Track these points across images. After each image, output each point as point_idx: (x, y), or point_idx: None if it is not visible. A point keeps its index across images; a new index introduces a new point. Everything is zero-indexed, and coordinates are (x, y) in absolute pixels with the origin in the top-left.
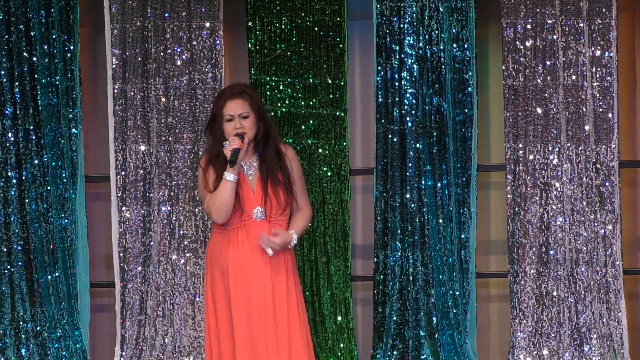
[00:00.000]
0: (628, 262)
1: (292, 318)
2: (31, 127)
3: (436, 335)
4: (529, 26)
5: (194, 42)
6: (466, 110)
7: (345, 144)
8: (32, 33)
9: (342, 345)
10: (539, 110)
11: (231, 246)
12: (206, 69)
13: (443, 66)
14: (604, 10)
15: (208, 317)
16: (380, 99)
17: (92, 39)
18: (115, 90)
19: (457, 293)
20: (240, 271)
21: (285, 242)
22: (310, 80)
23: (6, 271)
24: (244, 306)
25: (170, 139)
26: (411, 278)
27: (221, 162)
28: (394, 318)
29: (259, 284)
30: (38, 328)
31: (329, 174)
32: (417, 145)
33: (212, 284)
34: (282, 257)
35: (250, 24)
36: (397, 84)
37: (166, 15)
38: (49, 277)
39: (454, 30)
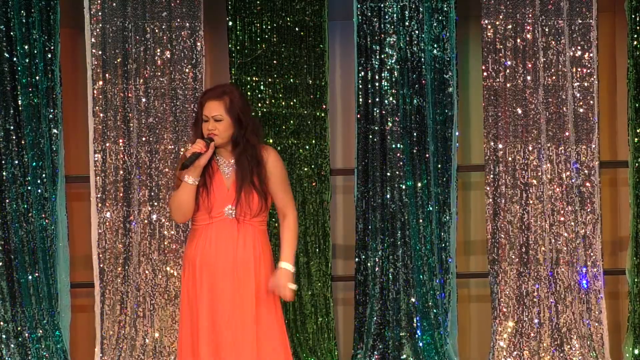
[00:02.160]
0: (608, 262)
1: (263, 317)
2: (12, 127)
3: (417, 336)
4: (509, 26)
5: (175, 42)
6: (446, 111)
7: (325, 144)
8: (12, 33)
9: (322, 345)
10: (519, 111)
11: (200, 242)
12: (187, 69)
13: (423, 66)
14: (584, 10)
15: (180, 313)
16: (360, 99)
17: (73, 40)
18: (95, 91)
19: (438, 293)
20: (206, 267)
21: (287, 279)
22: (291, 80)
23: None
24: (208, 302)
25: (150, 139)
26: (392, 278)
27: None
28: (375, 318)
29: (225, 279)
30: (18, 328)
31: (310, 174)
32: (398, 146)
33: (186, 280)
34: (251, 254)
35: (230, 24)
36: (377, 84)
37: (147, 15)
38: (30, 277)
39: (434, 31)
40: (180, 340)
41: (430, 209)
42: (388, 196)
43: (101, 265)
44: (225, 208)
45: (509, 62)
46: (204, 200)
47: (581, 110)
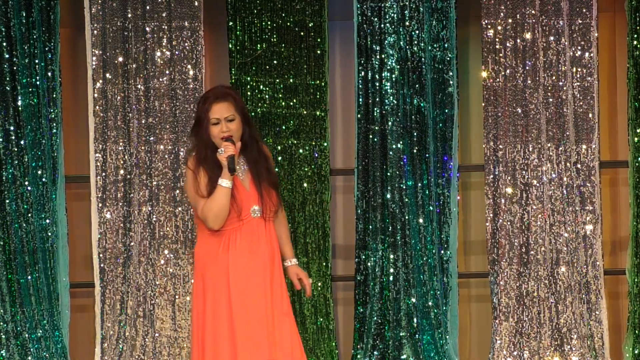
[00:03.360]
0: (609, 262)
1: (290, 314)
2: (11, 128)
3: (417, 335)
4: (509, 26)
5: (175, 42)
6: (447, 110)
7: (325, 144)
8: (12, 33)
9: (322, 345)
10: (519, 111)
11: (231, 246)
12: (187, 69)
13: (424, 66)
14: (584, 10)
15: (198, 321)
16: (360, 99)
17: (73, 40)
18: (96, 91)
19: (438, 293)
20: (241, 271)
21: (301, 272)
22: (291, 80)
23: None
24: (245, 305)
25: (150, 139)
26: (392, 278)
27: (211, 165)
28: (375, 318)
29: (259, 282)
30: (18, 328)
31: (310, 174)
32: (398, 145)
33: (205, 288)
34: (276, 251)
35: (230, 24)
36: (377, 84)
37: (147, 15)
38: (29, 277)
39: (434, 31)
40: (199, 350)
41: (431, 208)
42: (388, 196)
43: (101, 265)
44: (252, 208)
45: (508, 62)
46: (232, 204)
47: (581, 110)
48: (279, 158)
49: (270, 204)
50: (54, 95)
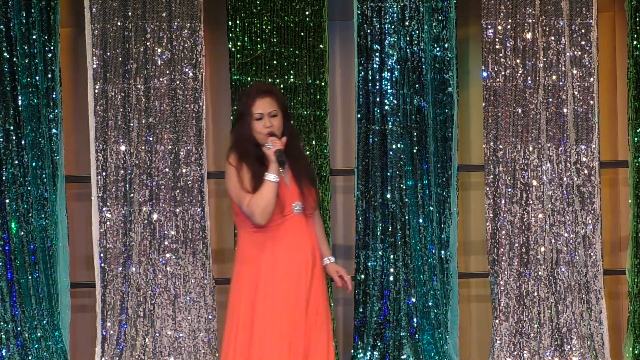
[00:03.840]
0: (609, 262)
1: (328, 318)
2: (11, 128)
3: (417, 335)
4: (509, 26)
5: (175, 43)
6: (447, 110)
7: (325, 144)
8: (12, 33)
9: None
10: (519, 111)
11: (276, 242)
12: (187, 69)
13: (424, 66)
14: (584, 10)
15: (239, 319)
16: (361, 99)
17: (73, 40)
18: (96, 91)
19: (438, 293)
20: (287, 266)
21: (340, 268)
22: (291, 80)
23: None
24: (289, 302)
25: (150, 139)
26: (392, 278)
27: (253, 160)
28: (375, 318)
29: (305, 279)
30: (18, 328)
31: None
32: (398, 146)
33: (252, 286)
34: (316, 252)
35: (230, 24)
36: (377, 84)
37: (147, 15)
38: (30, 277)
39: (434, 31)
40: (233, 343)
41: (431, 208)
42: (388, 196)
43: (102, 265)
44: (294, 204)
45: (508, 62)
46: (276, 200)
47: (581, 110)
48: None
49: (310, 200)
50: (54, 95)
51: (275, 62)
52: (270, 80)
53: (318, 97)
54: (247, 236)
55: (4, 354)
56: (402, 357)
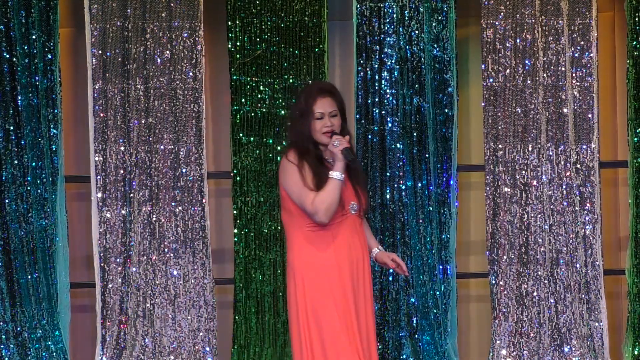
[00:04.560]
0: (608, 262)
1: (374, 318)
2: (11, 128)
3: (417, 336)
4: (508, 27)
5: (174, 42)
6: (446, 111)
7: None
8: (12, 33)
9: None
10: (519, 111)
11: (336, 241)
12: (186, 69)
13: (423, 66)
14: (584, 10)
15: (308, 325)
16: (360, 100)
17: (73, 40)
18: (96, 91)
19: (438, 293)
20: (350, 263)
21: (391, 253)
22: (290, 80)
23: None
24: (351, 301)
25: (150, 139)
26: (391, 278)
27: (314, 159)
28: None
29: (363, 276)
30: (18, 328)
31: None
32: (398, 146)
33: (314, 287)
34: (366, 255)
35: (230, 24)
36: (377, 85)
37: (147, 15)
38: (29, 277)
39: (434, 31)
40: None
41: (430, 209)
42: (388, 196)
43: (102, 265)
44: (351, 204)
45: (508, 62)
46: None
47: (581, 110)
48: (279, 158)
49: (364, 201)
50: (54, 95)
51: (274, 62)
52: (269, 80)
53: None
54: (302, 235)
55: (3, 354)
56: (402, 357)
